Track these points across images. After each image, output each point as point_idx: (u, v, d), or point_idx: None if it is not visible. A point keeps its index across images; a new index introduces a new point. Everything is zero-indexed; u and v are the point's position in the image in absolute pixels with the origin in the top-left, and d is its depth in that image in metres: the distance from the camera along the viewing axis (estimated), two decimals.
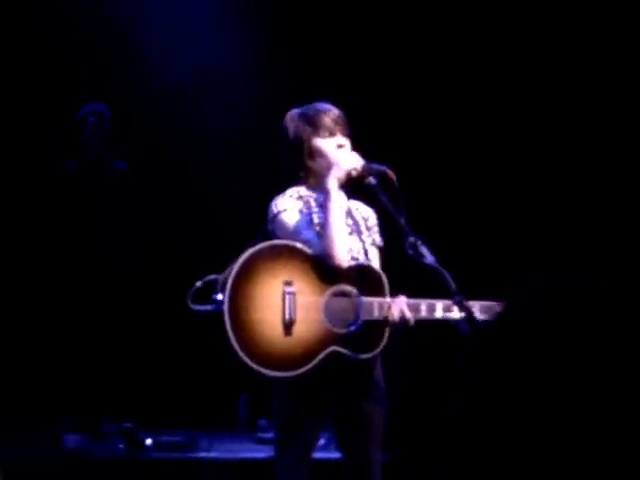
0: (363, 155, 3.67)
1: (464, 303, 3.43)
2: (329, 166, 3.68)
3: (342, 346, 3.57)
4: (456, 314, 3.55)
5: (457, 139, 6.58)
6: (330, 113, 3.76)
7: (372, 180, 3.61)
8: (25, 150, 6.66)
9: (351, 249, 3.70)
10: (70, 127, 6.28)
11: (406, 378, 4.39)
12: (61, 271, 6.30)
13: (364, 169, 3.64)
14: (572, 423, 5.72)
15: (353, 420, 3.76)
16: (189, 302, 3.63)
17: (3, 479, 4.97)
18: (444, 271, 3.39)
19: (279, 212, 3.67)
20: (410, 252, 3.55)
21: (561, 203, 6.24)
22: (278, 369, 3.52)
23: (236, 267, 3.51)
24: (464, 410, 3.60)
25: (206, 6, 6.65)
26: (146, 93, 6.76)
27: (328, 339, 3.57)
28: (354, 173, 3.65)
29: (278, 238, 3.64)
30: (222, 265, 3.58)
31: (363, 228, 3.80)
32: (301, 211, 3.69)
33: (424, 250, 3.47)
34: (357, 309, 3.58)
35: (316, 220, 3.68)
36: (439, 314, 3.62)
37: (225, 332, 3.49)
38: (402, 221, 3.57)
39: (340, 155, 3.69)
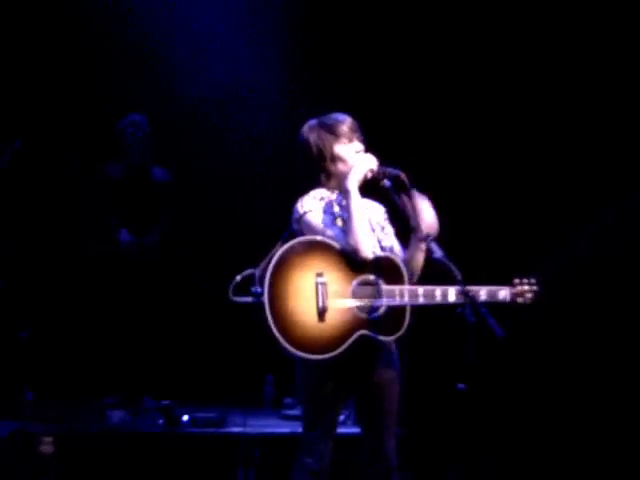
0: (377, 158, 3.79)
1: (470, 294, 3.54)
2: (348, 169, 3.80)
3: (369, 330, 3.69)
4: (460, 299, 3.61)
5: (463, 141, 6.65)
6: (347, 122, 3.89)
7: (387, 182, 3.76)
8: (72, 154, 6.83)
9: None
10: (113, 135, 6.43)
11: (417, 362, 4.30)
12: (107, 265, 6.40)
13: (379, 171, 3.78)
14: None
15: (373, 396, 3.86)
16: (230, 294, 3.76)
17: (56, 451, 5.12)
18: (451, 264, 3.51)
19: (305, 212, 3.79)
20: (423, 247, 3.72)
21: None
22: (313, 352, 3.65)
23: (273, 262, 3.65)
24: (469, 390, 3.51)
25: (234, 24, 6.70)
26: (180, 104, 6.85)
27: (356, 324, 3.69)
28: (370, 175, 3.77)
29: (305, 236, 3.76)
30: (255, 260, 3.74)
31: (376, 226, 3.92)
32: (324, 210, 3.80)
33: (433, 246, 3.60)
34: (381, 296, 3.71)
35: (339, 218, 3.80)
36: (452, 299, 3.72)
37: (265, 320, 3.61)
38: (413, 220, 3.72)
39: (358, 158, 3.81)
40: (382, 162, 3.78)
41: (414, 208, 3.72)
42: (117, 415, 5.99)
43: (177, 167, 6.60)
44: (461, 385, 3.52)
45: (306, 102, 5.98)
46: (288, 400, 6.30)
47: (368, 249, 3.71)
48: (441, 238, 3.68)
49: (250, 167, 6.96)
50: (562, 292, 5.70)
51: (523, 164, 6.53)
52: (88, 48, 6.80)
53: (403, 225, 3.84)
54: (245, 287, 3.74)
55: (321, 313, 3.64)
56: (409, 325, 3.71)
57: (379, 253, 3.78)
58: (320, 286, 3.64)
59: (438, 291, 3.72)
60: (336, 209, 3.81)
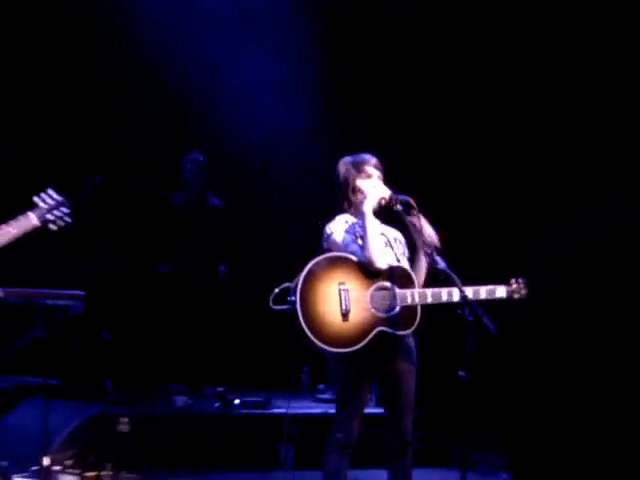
0: (392, 189, 4.13)
1: (468, 299, 3.80)
2: (365, 199, 4.12)
3: (386, 326, 3.96)
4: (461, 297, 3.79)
5: (456, 157, 6.89)
6: (371, 161, 4.24)
7: (399, 207, 4.09)
8: (144, 186, 7.24)
9: (386, 258, 4.08)
10: (177, 170, 6.97)
11: (425, 354, 4.42)
12: (174, 277, 6.86)
13: (391, 198, 4.08)
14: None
15: (392, 382, 4.12)
16: (271, 303, 4.00)
17: (131, 429, 5.39)
18: (454, 274, 3.80)
19: (332, 233, 4.13)
20: (427, 260, 4.04)
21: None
22: (340, 347, 3.92)
23: (302, 275, 3.94)
24: (469, 377, 3.74)
25: (274, 79, 7.17)
26: (231, 144, 7.37)
27: (375, 322, 3.96)
28: (383, 202, 4.08)
29: (332, 252, 4.09)
30: (292, 275, 4.03)
31: (393, 243, 4.23)
32: (347, 231, 4.13)
33: (437, 258, 3.89)
34: (395, 298, 3.98)
35: (358, 238, 4.10)
36: (456, 299, 3.92)
37: (298, 323, 3.88)
38: (419, 237, 4.04)
39: (373, 189, 4.16)
40: (395, 191, 4.11)
41: (421, 227, 4.04)
42: (181, 400, 6.38)
43: (229, 195, 7.05)
44: (462, 373, 3.76)
45: (334, 145, 6.16)
46: (321, 386, 6.73)
47: (380, 261, 4.00)
48: (442, 250, 3.98)
49: (288, 196, 7.45)
50: (554, 289, 5.85)
51: (513, 177, 6.66)
52: (168, 99, 7.34)
53: (410, 241, 4.18)
54: (283, 297, 4.00)
55: (345, 314, 3.93)
56: (420, 322, 3.98)
57: (393, 263, 4.07)
58: (343, 292, 3.94)
59: (444, 292, 3.99)
60: (357, 230, 4.14)
